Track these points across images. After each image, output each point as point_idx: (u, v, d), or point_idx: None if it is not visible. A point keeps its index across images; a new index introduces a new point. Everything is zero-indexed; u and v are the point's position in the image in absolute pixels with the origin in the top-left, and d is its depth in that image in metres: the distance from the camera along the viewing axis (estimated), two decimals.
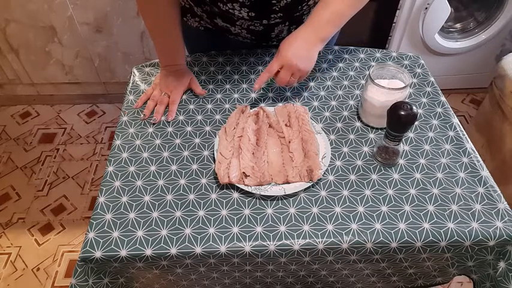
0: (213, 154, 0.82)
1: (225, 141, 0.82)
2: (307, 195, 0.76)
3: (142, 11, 0.90)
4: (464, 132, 0.86)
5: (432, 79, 0.97)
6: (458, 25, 1.85)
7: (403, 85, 0.81)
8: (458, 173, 0.79)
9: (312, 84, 0.97)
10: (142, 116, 0.90)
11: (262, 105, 0.91)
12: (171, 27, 0.90)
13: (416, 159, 0.81)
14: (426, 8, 1.63)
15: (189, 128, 0.88)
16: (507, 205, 0.74)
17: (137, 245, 0.69)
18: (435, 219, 0.72)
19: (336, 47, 1.05)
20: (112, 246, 0.69)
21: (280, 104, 0.91)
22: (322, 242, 0.69)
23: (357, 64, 1.01)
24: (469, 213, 0.72)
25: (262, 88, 0.95)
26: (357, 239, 0.69)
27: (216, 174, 0.76)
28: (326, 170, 0.79)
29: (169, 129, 0.88)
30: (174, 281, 0.78)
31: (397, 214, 0.72)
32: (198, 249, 0.68)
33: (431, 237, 0.69)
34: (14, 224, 1.61)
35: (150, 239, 0.70)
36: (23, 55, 1.85)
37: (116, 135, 0.87)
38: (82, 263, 0.69)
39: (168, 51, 0.94)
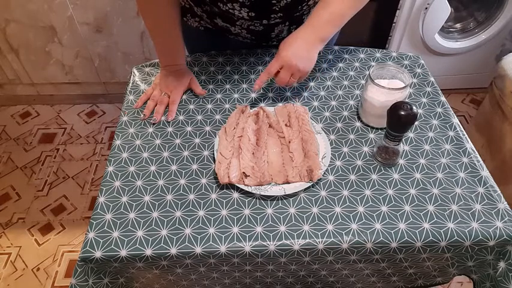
0: (213, 154, 0.82)
1: (225, 141, 0.82)
2: (307, 195, 0.76)
3: (142, 11, 0.90)
4: (464, 132, 0.86)
5: (432, 79, 0.97)
6: (458, 25, 1.85)
7: (403, 85, 0.81)
8: (458, 173, 0.79)
9: (312, 84, 0.97)
10: (142, 116, 0.90)
11: (262, 105, 0.91)
12: (171, 27, 0.90)
13: (416, 159, 0.81)
14: (426, 8, 1.63)
15: (189, 128, 0.88)
16: (507, 205, 0.74)
17: (137, 245, 0.69)
18: (435, 219, 0.72)
19: (336, 47, 1.05)
20: (112, 246, 0.69)
21: (280, 104, 0.91)
22: (322, 242, 0.69)
23: (357, 64, 1.01)
24: (469, 213, 0.72)
25: (262, 88, 0.95)
26: (357, 239, 0.69)
27: (216, 174, 0.76)
28: (326, 170, 0.79)
29: (169, 129, 0.88)
30: (174, 281, 0.78)
31: (397, 214, 0.72)
32: (198, 249, 0.68)
33: (431, 237, 0.69)
34: (14, 224, 1.62)
35: (150, 239, 0.70)
36: (23, 55, 1.85)
37: (116, 135, 0.87)
38: (82, 263, 0.69)
39: (168, 51, 0.94)
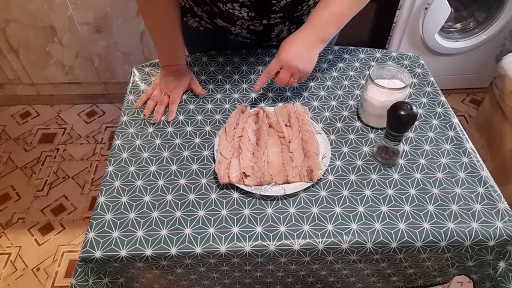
0: (213, 154, 0.82)
1: (225, 141, 0.82)
2: (307, 195, 0.76)
3: (142, 11, 0.90)
4: (464, 132, 0.86)
5: (432, 79, 0.97)
6: (458, 25, 1.85)
7: (403, 85, 0.81)
8: (458, 173, 0.79)
9: (312, 84, 0.97)
10: (142, 116, 0.90)
11: (262, 105, 0.91)
12: (171, 27, 0.90)
13: (416, 159, 0.81)
14: (426, 8, 1.63)
15: (189, 128, 0.88)
16: (507, 205, 0.74)
17: (137, 245, 0.69)
18: (435, 219, 0.72)
19: (336, 47, 1.05)
20: (112, 246, 0.69)
21: (280, 104, 0.91)
22: (322, 242, 0.69)
23: (357, 64, 1.01)
24: (469, 213, 0.72)
25: (262, 88, 0.95)
26: (357, 239, 0.69)
27: (216, 174, 0.76)
28: (326, 170, 0.79)
29: (169, 129, 0.88)
30: (174, 281, 0.78)
31: (397, 214, 0.72)
32: (198, 249, 0.68)
33: (431, 237, 0.69)
34: (14, 224, 1.61)
35: (150, 239, 0.70)
36: (23, 55, 1.85)
37: (116, 135, 0.87)
38: (82, 263, 0.69)
39: (168, 51, 0.94)
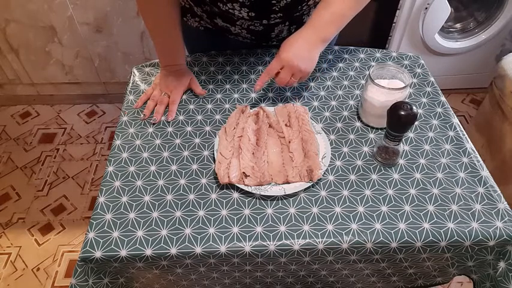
0: (213, 154, 0.82)
1: (225, 141, 0.82)
2: (307, 195, 0.76)
3: (142, 11, 0.90)
4: (464, 132, 0.86)
5: (432, 79, 0.97)
6: (458, 25, 1.85)
7: (403, 85, 0.81)
8: (458, 173, 0.79)
9: (312, 84, 0.97)
10: (142, 116, 0.90)
11: (262, 105, 0.91)
12: (171, 27, 0.90)
13: (416, 159, 0.81)
14: (426, 8, 1.63)
15: (189, 128, 0.88)
16: (507, 205, 0.74)
17: (137, 245, 0.69)
18: (435, 219, 0.72)
19: (336, 47, 1.05)
20: (112, 246, 0.69)
21: (280, 104, 0.91)
22: (322, 242, 0.69)
23: (357, 64, 1.01)
24: (469, 213, 0.72)
25: (262, 88, 0.95)
26: (357, 239, 0.69)
27: (216, 174, 0.76)
28: (326, 170, 0.79)
29: (169, 129, 0.88)
30: (174, 281, 0.78)
31: (397, 214, 0.72)
32: (198, 249, 0.68)
33: (431, 237, 0.69)
34: (14, 224, 1.62)
35: (150, 239, 0.70)
36: (23, 55, 1.85)
37: (116, 135, 0.87)
38: (82, 263, 0.69)
39: (168, 51, 0.94)
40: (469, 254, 0.74)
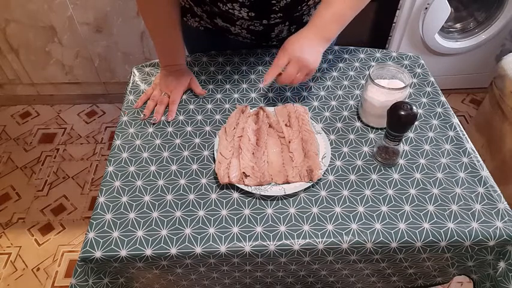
0: (213, 154, 0.82)
1: (225, 141, 0.82)
2: (307, 195, 0.76)
3: (142, 11, 0.90)
4: (464, 132, 0.86)
5: (432, 79, 0.97)
6: (458, 25, 1.85)
7: (403, 85, 0.81)
8: (458, 173, 0.79)
9: (312, 84, 0.97)
10: (142, 116, 0.90)
11: (262, 105, 0.91)
12: (171, 27, 0.90)
13: (416, 159, 0.81)
14: (426, 8, 1.63)
15: (189, 128, 0.88)
16: (507, 205, 0.74)
17: (137, 245, 0.69)
18: (435, 219, 0.72)
19: (336, 47, 1.05)
20: (112, 246, 0.69)
21: (280, 104, 0.91)
22: (322, 242, 0.69)
23: (357, 64, 1.01)
24: (469, 213, 0.72)
25: (262, 88, 0.95)
26: (357, 239, 0.69)
27: (216, 174, 0.76)
28: (326, 170, 0.79)
29: (169, 129, 0.88)
30: (174, 281, 0.78)
31: (397, 214, 0.72)
32: (198, 249, 0.68)
33: (431, 237, 0.69)
34: (14, 224, 1.62)
35: (150, 239, 0.70)
36: (23, 55, 1.85)
37: (116, 135, 0.87)
38: (82, 263, 0.69)
39: (168, 51, 0.94)
40: (469, 254, 0.74)
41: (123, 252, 0.68)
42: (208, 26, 1.00)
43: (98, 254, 0.68)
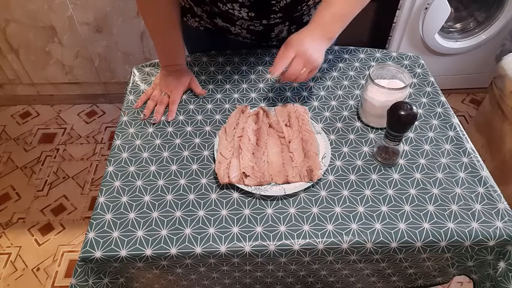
0: (213, 154, 0.82)
1: (225, 141, 0.82)
2: (307, 195, 0.76)
3: (142, 11, 0.90)
4: (464, 132, 0.86)
5: (432, 79, 0.97)
6: (458, 25, 1.85)
7: (403, 85, 0.81)
8: (458, 173, 0.79)
9: (312, 84, 0.97)
10: (142, 116, 0.90)
11: (262, 105, 0.91)
12: (171, 27, 0.90)
13: (416, 159, 0.81)
14: (426, 8, 1.63)
15: (189, 128, 0.88)
16: (507, 205, 0.74)
17: (137, 245, 0.69)
18: (435, 219, 0.72)
19: (336, 47, 1.05)
20: (112, 246, 0.69)
21: (280, 104, 0.91)
22: (322, 242, 0.69)
23: (357, 64, 1.01)
24: (469, 213, 0.72)
25: (262, 88, 0.95)
26: (357, 239, 0.69)
27: (216, 174, 0.76)
28: (326, 170, 0.79)
29: (169, 129, 0.88)
30: (174, 281, 0.78)
31: (397, 214, 0.72)
32: (198, 249, 0.68)
33: (431, 237, 0.69)
34: (14, 224, 1.62)
35: (150, 239, 0.70)
36: (23, 55, 1.85)
37: (116, 135, 0.87)
38: (82, 263, 0.69)
39: (168, 51, 0.94)
40: (469, 254, 0.74)
41: (123, 252, 0.68)
42: (208, 26, 1.00)
43: (98, 254, 0.68)
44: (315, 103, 0.92)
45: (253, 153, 0.80)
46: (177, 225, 0.71)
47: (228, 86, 0.96)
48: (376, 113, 0.83)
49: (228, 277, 0.78)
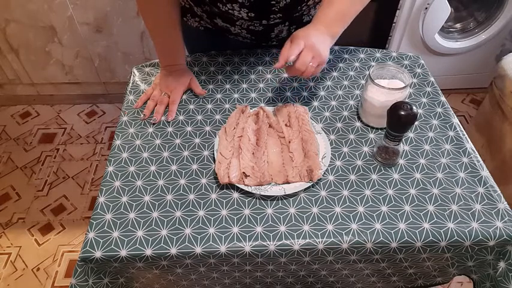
0: (213, 154, 0.82)
1: (225, 141, 0.82)
2: (307, 195, 0.76)
3: (142, 11, 0.90)
4: (464, 132, 0.86)
5: (432, 79, 0.97)
6: (458, 25, 1.85)
7: (403, 85, 0.81)
8: (458, 173, 0.79)
9: (312, 84, 0.97)
10: (142, 116, 0.90)
11: (262, 105, 0.91)
12: (171, 27, 0.90)
13: (416, 159, 0.81)
14: (426, 8, 1.63)
15: (189, 128, 0.88)
16: (507, 205, 0.74)
17: (137, 245, 0.69)
18: (435, 219, 0.72)
19: (336, 47, 1.05)
20: (112, 246, 0.69)
21: (280, 104, 0.91)
22: (322, 242, 0.69)
23: (357, 64, 1.01)
24: (469, 213, 0.72)
25: (262, 88, 0.95)
26: (357, 239, 0.69)
27: (216, 174, 0.76)
28: (326, 170, 0.79)
29: (169, 129, 0.88)
30: (174, 281, 0.78)
31: (397, 214, 0.72)
32: (198, 249, 0.68)
33: (431, 237, 0.69)
34: (14, 224, 1.62)
35: (150, 239, 0.70)
36: (23, 55, 1.85)
37: (116, 135, 0.87)
38: (82, 263, 0.69)
39: (168, 51, 0.94)
40: (469, 254, 0.74)
41: (123, 252, 0.68)
42: (208, 26, 1.00)
43: (98, 254, 0.68)
44: (315, 103, 0.92)
45: (253, 153, 0.80)
46: (177, 225, 0.71)
47: (228, 86, 0.96)
48: (376, 113, 0.83)
49: (228, 277, 0.78)
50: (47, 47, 1.81)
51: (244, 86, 0.96)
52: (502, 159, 1.43)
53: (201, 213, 0.73)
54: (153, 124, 0.89)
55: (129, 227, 0.71)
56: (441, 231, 0.70)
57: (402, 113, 0.70)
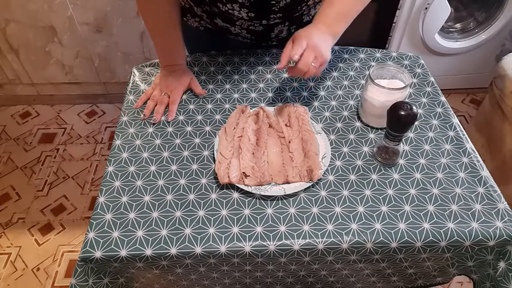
0: (213, 154, 0.82)
1: (225, 141, 0.82)
2: (307, 195, 0.76)
3: (142, 11, 0.90)
4: (464, 132, 0.86)
5: (432, 79, 0.97)
6: (458, 25, 1.85)
7: (403, 85, 0.81)
8: (458, 173, 0.79)
9: (312, 84, 0.97)
10: (142, 116, 0.90)
11: (262, 105, 0.91)
12: (171, 27, 0.90)
13: (416, 159, 0.81)
14: (426, 8, 1.63)
15: (189, 128, 0.88)
16: (507, 205, 0.74)
17: (137, 245, 0.69)
18: (435, 219, 0.72)
19: (336, 47, 1.05)
20: (112, 246, 0.69)
21: (280, 104, 0.91)
22: (322, 242, 0.69)
23: (357, 64, 1.01)
24: (469, 213, 0.72)
25: (262, 88, 0.95)
26: (357, 239, 0.69)
27: (216, 174, 0.76)
28: (326, 170, 0.79)
29: (169, 129, 0.88)
30: (174, 281, 0.78)
31: (397, 214, 0.72)
32: (198, 249, 0.68)
33: (431, 237, 0.69)
34: (14, 224, 1.62)
35: (150, 239, 0.70)
36: (23, 55, 1.85)
37: (116, 135, 0.87)
38: (82, 263, 0.69)
39: (168, 51, 0.94)
40: (469, 254, 0.74)
41: (123, 252, 0.68)
42: (208, 26, 1.00)
43: (98, 254, 0.68)
44: (315, 103, 0.92)
45: (253, 153, 0.80)
46: (177, 225, 0.71)
47: (228, 86, 0.96)
48: (376, 113, 0.83)
49: (228, 277, 0.78)
50: (47, 47, 1.81)
51: (244, 86, 0.96)
52: (502, 159, 1.43)
53: (201, 213, 0.73)
54: (153, 124, 0.89)
55: (129, 227, 0.71)
56: (441, 231, 0.70)
57: (402, 113, 0.70)
